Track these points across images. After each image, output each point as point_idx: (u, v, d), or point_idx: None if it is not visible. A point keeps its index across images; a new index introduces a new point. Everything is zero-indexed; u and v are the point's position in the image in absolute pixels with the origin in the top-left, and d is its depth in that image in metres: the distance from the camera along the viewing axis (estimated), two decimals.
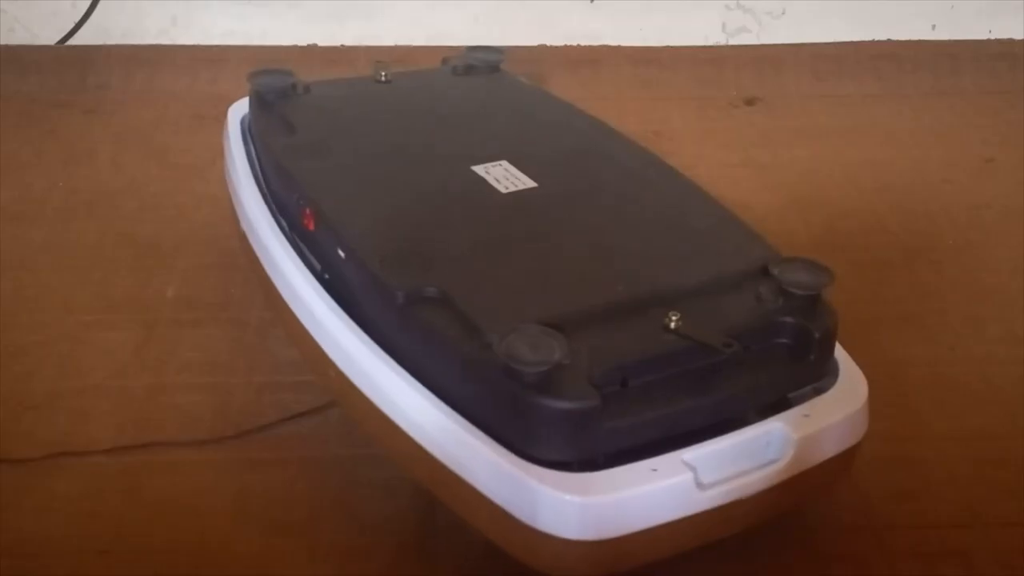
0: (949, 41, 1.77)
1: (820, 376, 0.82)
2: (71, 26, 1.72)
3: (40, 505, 0.90)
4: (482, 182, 0.94)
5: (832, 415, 0.79)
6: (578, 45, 1.75)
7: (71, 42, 1.73)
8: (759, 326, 0.79)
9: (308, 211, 0.90)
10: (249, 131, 1.09)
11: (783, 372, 0.80)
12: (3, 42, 1.72)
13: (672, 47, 1.75)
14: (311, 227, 0.90)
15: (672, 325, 0.76)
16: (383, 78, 1.14)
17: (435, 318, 0.77)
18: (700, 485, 0.73)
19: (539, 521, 0.72)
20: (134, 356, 1.08)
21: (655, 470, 0.72)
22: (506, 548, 0.76)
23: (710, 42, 1.77)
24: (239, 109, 1.13)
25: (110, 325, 1.13)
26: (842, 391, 0.81)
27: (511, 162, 0.97)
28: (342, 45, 1.73)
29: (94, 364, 1.07)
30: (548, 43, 1.75)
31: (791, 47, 1.75)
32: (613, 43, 1.75)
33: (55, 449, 0.95)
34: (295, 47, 1.73)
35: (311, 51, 1.72)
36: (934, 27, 1.77)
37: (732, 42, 1.77)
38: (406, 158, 0.99)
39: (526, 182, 0.94)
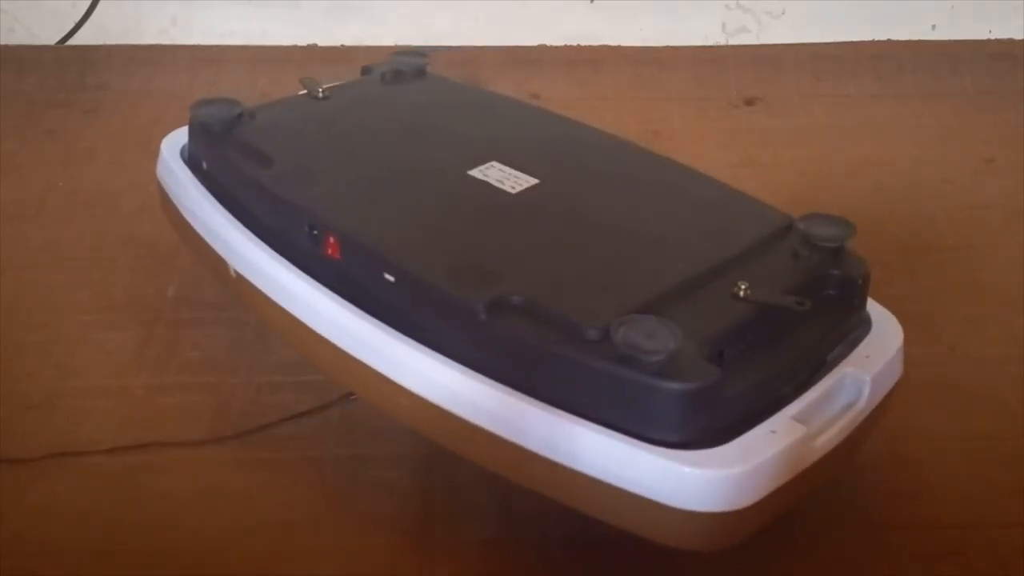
0: (949, 41, 1.77)
1: (862, 321, 0.87)
2: (71, 26, 1.72)
3: (40, 505, 0.90)
4: (487, 185, 0.94)
5: (886, 352, 0.85)
6: (578, 45, 1.75)
7: (71, 42, 1.73)
8: (810, 281, 0.84)
9: (332, 239, 0.88)
10: (197, 166, 1.03)
11: (839, 320, 0.85)
12: (3, 42, 1.72)
13: (672, 47, 1.75)
14: (336, 255, 0.88)
15: (742, 294, 0.80)
16: (321, 94, 1.10)
17: (524, 324, 0.77)
18: (810, 438, 0.77)
19: (684, 501, 0.73)
20: (134, 356, 1.08)
21: (774, 432, 0.75)
22: (644, 534, 0.77)
23: (710, 42, 1.77)
24: (174, 142, 1.07)
25: (110, 325, 1.13)
26: (882, 330, 0.87)
27: (501, 162, 0.97)
28: (342, 45, 1.73)
29: (94, 364, 1.07)
30: (548, 43, 1.75)
31: (791, 47, 1.75)
32: (613, 43, 1.75)
33: (55, 449, 0.95)
34: (295, 47, 1.73)
35: (311, 51, 1.72)
36: (934, 27, 1.77)
37: (732, 42, 1.77)
38: (400, 172, 0.97)
39: (527, 180, 0.95)
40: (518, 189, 0.94)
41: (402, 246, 0.86)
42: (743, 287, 0.80)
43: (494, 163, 0.97)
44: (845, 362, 0.83)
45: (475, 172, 0.96)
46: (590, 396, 0.75)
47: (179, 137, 1.08)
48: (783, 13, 1.76)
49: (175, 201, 1.05)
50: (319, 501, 0.91)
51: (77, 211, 1.35)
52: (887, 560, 0.87)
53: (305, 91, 1.11)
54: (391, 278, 0.83)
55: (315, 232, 0.89)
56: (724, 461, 0.73)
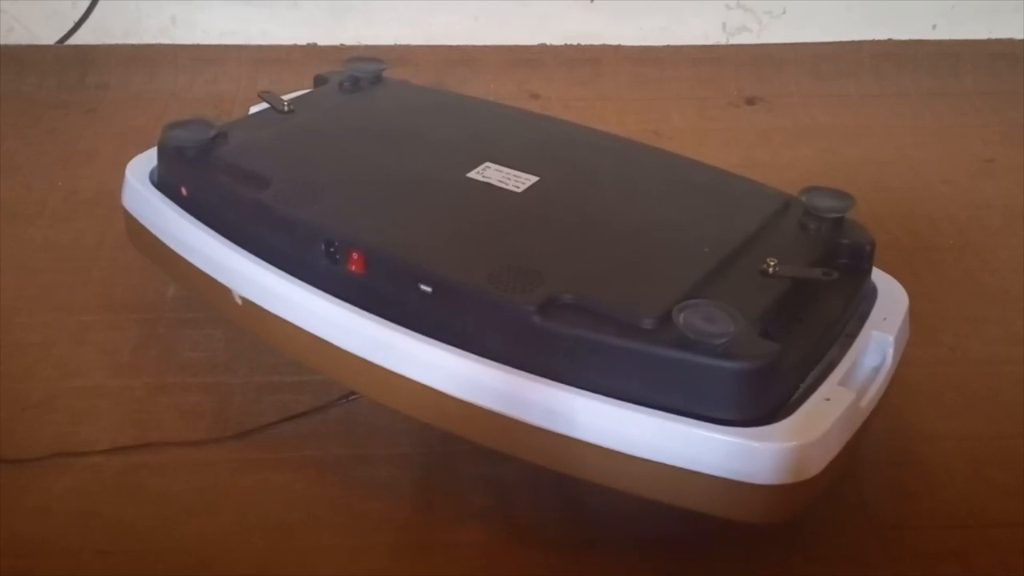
0: (949, 41, 1.77)
1: (871, 286, 0.92)
2: (71, 26, 1.72)
3: (40, 505, 0.90)
4: (490, 187, 0.94)
5: (899, 313, 0.89)
6: (578, 45, 1.75)
7: (71, 42, 1.73)
8: (826, 251, 0.88)
9: (355, 255, 0.86)
10: (174, 192, 0.99)
11: (855, 287, 0.89)
12: (3, 42, 1.72)
13: (672, 47, 1.75)
14: (360, 270, 0.86)
15: (771, 270, 0.83)
16: (286, 108, 1.07)
17: (578, 321, 0.78)
18: (858, 401, 0.80)
19: (764, 476, 0.75)
20: (134, 356, 1.08)
21: (828, 399, 0.78)
22: (721, 513, 0.78)
23: (710, 41, 1.77)
24: (139, 167, 1.03)
25: (110, 325, 1.13)
26: (889, 293, 0.91)
27: (494, 162, 0.97)
28: (342, 45, 1.73)
29: (94, 364, 1.07)
30: (548, 43, 1.75)
31: (791, 47, 1.75)
32: (613, 43, 1.75)
33: (55, 449, 0.95)
34: (295, 47, 1.73)
35: (311, 51, 1.72)
36: (934, 27, 1.77)
37: (732, 41, 1.77)
38: (400, 180, 0.96)
39: (528, 178, 0.95)
40: (523, 188, 0.94)
41: (434, 255, 0.85)
42: (772, 264, 0.83)
43: (489, 164, 0.97)
44: (868, 324, 0.86)
45: (474, 174, 0.96)
46: (652, 384, 0.76)
47: (144, 162, 1.04)
48: (784, 13, 1.76)
49: (153, 230, 1.01)
50: (319, 501, 0.91)
51: (77, 211, 1.34)
52: (888, 559, 0.87)
53: (266, 105, 1.08)
54: (428, 288, 0.83)
55: (333, 249, 0.87)
56: (796, 433, 0.75)
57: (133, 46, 1.72)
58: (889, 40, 1.77)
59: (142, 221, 1.02)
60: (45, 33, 1.72)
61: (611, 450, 0.77)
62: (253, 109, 1.12)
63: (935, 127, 1.61)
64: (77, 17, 1.72)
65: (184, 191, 0.99)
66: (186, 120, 1.01)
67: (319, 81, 1.18)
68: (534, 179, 0.95)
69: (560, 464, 0.81)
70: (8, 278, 1.20)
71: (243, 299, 0.93)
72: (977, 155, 1.52)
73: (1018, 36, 1.78)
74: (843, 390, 0.79)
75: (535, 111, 1.13)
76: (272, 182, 0.94)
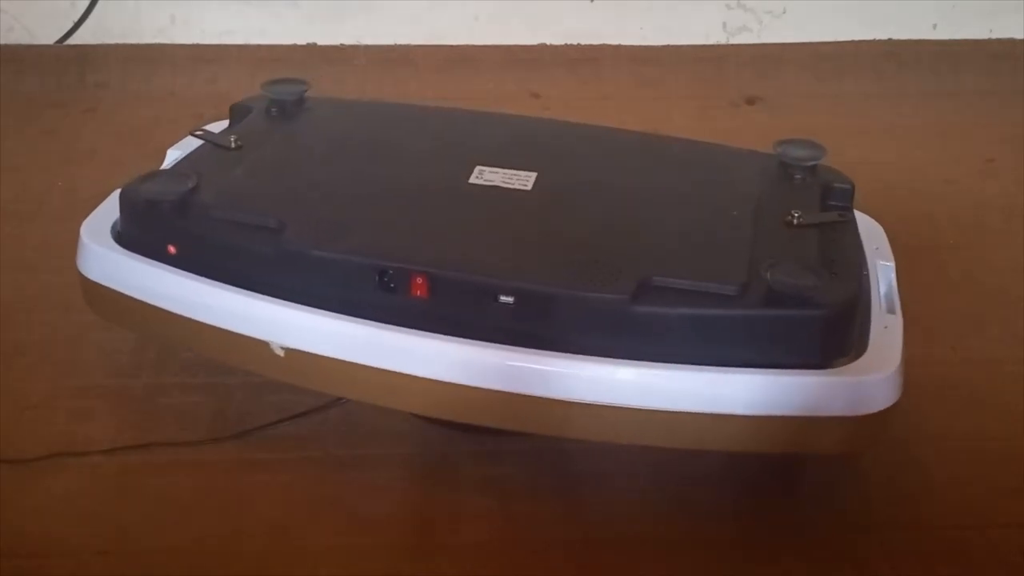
0: (950, 41, 1.77)
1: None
2: (70, 25, 1.72)
3: (40, 505, 0.90)
4: (498, 189, 0.94)
5: (883, 240, 0.99)
6: (578, 44, 1.75)
7: (70, 41, 1.73)
8: (823, 196, 0.95)
9: (419, 280, 0.83)
10: (156, 251, 0.92)
11: (855, 223, 0.96)
12: (3, 42, 1.72)
13: (672, 46, 1.75)
14: (423, 294, 0.84)
15: (796, 222, 0.89)
16: (233, 144, 1.01)
17: (673, 300, 0.81)
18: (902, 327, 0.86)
19: (867, 406, 0.80)
20: (134, 356, 1.08)
21: (886, 327, 0.85)
22: (825, 450, 0.84)
23: (711, 41, 1.77)
24: (96, 228, 0.98)
25: (109, 325, 1.12)
26: (868, 227, 1.00)
27: (484, 165, 0.97)
28: (341, 44, 1.73)
29: (94, 364, 1.07)
30: (548, 42, 1.75)
31: (792, 46, 1.75)
32: (613, 42, 1.75)
33: (55, 449, 0.95)
34: (295, 46, 1.73)
35: (311, 50, 1.72)
36: (935, 27, 1.77)
37: (733, 41, 1.77)
38: (412, 198, 0.94)
39: (527, 175, 0.95)
40: (530, 185, 0.94)
41: (504, 265, 0.84)
42: (796, 215, 0.89)
43: (482, 167, 0.96)
44: (871, 255, 0.94)
45: (475, 180, 0.95)
46: (746, 346, 0.80)
47: (100, 222, 0.98)
48: (784, 12, 1.76)
49: (141, 296, 0.92)
50: (319, 501, 0.91)
51: (77, 211, 1.33)
52: (888, 559, 0.87)
53: (189, 144, 1.04)
54: (509, 299, 0.82)
55: (387, 278, 0.84)
56: (883, 362, 0.81)
57: (132, 46, 1.72)
58: (889, 40, 1.77)
59: (120, 288, 0.94)
60: (44, 33, 1.72)
61: (733, 415, 0.80)
62: (172, 152, 1.07)
63: (935, 127, 1.60)
64: (77, 17, 1.72)
65: (173, 249, 0.91)
66: (151, 173, 0.96)
67: (239, 110, 1.11)
68: (533, 175, 0.95)
69: (691, 442, 0.83)
70: (8, 278, 1.20)
71: (285, 350, 0.87)
72: (978, 155, 1.52)
73: (1018, 36, 1.78)
74: (893, 317, 0.86)
75: (476, 109, 1.13)
76: (288, 223, 0.88)
